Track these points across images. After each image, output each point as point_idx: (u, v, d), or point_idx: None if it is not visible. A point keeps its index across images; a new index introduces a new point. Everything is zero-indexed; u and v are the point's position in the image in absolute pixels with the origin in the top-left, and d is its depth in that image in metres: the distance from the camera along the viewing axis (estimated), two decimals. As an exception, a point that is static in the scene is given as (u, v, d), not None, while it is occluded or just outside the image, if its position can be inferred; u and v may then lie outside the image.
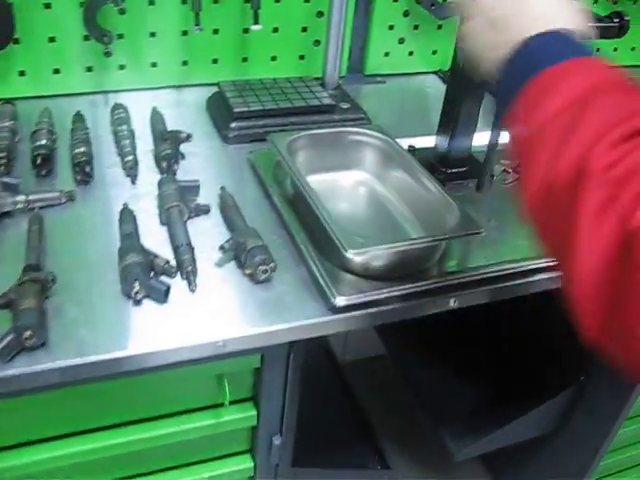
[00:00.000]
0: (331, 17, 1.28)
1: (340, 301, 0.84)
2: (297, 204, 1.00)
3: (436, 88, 1.53)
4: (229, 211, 0.99)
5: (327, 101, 1.25)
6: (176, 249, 0.90)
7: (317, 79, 1.38)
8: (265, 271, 0.87)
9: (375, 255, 0.85)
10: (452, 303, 0.93)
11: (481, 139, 1.20)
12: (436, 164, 1.17)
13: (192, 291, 0.86)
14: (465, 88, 1.09)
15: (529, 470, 1.68)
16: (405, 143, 1.23)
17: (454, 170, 1.16)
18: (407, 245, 0.86)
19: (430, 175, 1.03)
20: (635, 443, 1.62)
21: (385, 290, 0.87)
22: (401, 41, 1.51)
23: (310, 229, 0.95)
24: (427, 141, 1.23)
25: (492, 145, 1.06)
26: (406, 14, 1.48)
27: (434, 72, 1.59)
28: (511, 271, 0.96)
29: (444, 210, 0.96)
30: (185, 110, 1.32)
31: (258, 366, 0.92)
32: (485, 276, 0.94)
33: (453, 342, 1.60)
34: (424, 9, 1.45)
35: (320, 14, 1.39)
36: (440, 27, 1.53)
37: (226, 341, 0.81)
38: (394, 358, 1.71)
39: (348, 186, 1.12)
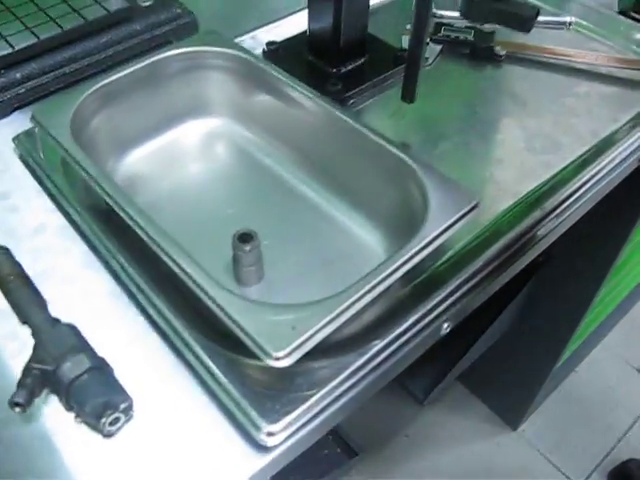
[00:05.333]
0: None
1: (270, 439, 0.44)
2: (124, 228, 0.55)
3: None
4: (14, 291, 0.53)
5: (117, 4, 0.75)
6: None
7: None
8: (114, 421, 0.44)
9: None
10: (445, 328, 0.55)
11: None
12: (320, 63, 0.73)
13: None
14: None
15: (499, 366, 1.42)
16: (260, 39, 0.79)
17: (350, 66, 0.73)
18: (369, 291, 0.45)
19: (317, 95, 0.60)
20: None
21: (343, 375, 0.47)
22: None
23: (167, 279, 0.51)
24: (294, 23, 0.79)
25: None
26: None
27: None
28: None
29: (373, 153, 0.55)
30: None
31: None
32: (481, 275, 0.55)
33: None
34: None
35: None
36: None
37: None
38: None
39: (196, 148, 0.67)
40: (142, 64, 0.62)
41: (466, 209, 0.49)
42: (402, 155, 0.53)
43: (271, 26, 0.81)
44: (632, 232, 1.03)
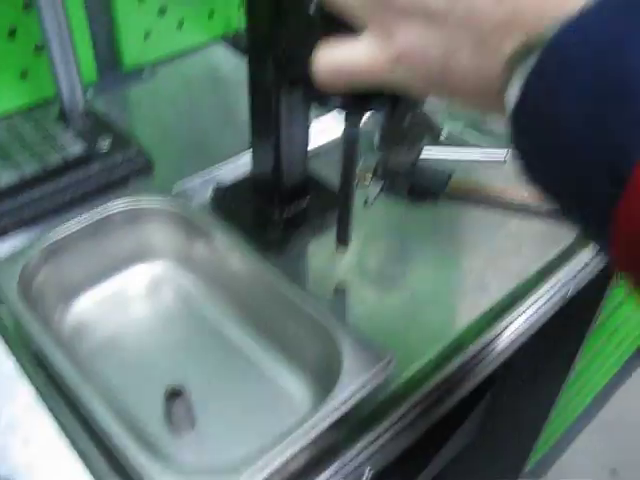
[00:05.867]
0: (42, 14, 0.82)
1: None
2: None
3: (228, 62, 1.11)
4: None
5: (75, 150, 0.81)
6: None
7: (49, 102, 0.92)
8: None
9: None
10: (367, 474, 0.57)
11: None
12: (264, 207, 0.78)
13: None
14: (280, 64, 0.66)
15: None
16: (213, 178, 0.83)
17: (293, 209, 0.77)
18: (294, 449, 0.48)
19: (248, 247, 0.65)
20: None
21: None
22: (162, 12, 1.07)
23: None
24: (247, 162, 0.84)
25: (350, 154, 0.62)
26: (157, -27, 1.04)
27: (221, 38, 1.16)
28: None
29: (295, 310, 0.59)
30: None
31: None
32: (404, 422, 0.58)
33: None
34: (180, -40, 1.02)
35: (28, 7, 0.92)
36: (209, -21, 1.09)
37: None
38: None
39: (141, 293, 0.71)
40: (88, 220, 0.66)
41: (378, 367, 0.52)
42: (316, 315, 0.57)
43: (226, 164, 0.86)
44: (582, 347, 1.07)
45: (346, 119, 0.54)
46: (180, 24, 1.10)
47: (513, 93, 0.30)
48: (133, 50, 1.06)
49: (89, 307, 0.67)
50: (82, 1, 0.97)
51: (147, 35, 1.07)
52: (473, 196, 0.83)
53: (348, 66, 0.38)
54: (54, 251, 0.65)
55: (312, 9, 0.42)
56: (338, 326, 0.56)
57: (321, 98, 0.47)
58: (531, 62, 0.29)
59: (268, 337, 0.64)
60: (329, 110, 0.49)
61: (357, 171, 0.81)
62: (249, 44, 0.66)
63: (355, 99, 0.48)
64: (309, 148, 0.78)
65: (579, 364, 1.12)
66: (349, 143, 0.60)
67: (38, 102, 0.96)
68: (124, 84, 1.05)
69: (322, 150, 0.87)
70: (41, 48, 0.95)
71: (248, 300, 0.65)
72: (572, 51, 0.28)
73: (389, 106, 0.51)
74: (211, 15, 1.12)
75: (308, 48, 0.42)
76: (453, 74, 0.33)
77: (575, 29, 0.28)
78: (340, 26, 0.39)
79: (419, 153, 0.57)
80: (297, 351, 0.61)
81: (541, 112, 0.29)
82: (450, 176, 0.67)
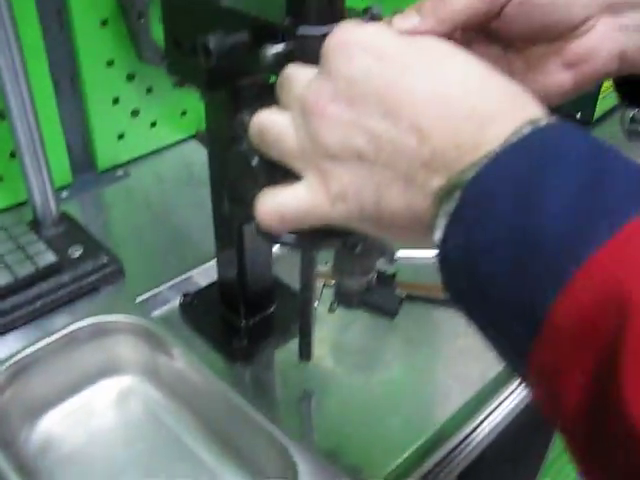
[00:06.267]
0: (14, 126, 0.85)
1: None
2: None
3: (201, 159, 1.13)
4: None
5: (47, 259, 0.82)
6: None
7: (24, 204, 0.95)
8: None
9: None
10: None
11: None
12: (230, 315, 0.79)
13: None
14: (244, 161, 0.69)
15: None
16: (182, 283, 0.85)
17: (258, 317, 0.79)
18: None
19: (208, 364, 0.66)
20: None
21: None
22: (135, 113, 1.10)
23: None
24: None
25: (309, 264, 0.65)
26: (131, 78, 1.07)
27: (192, 136, 1.20)
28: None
29: (258, 430, 0.61)
30: None
31: None
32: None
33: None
34: (153, 66, 1.06)
35: (2, 117, 0.95)
36: (182, 80, 1.13)
37: None
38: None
39: (110, 406, 0.72)
40: (54, 338, 0.67)
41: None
42: (276, 434, 0.58)
43: (198, 269, 0.87)
44: (552, 438, 1.08)
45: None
46: (153, 124, 1.13)
47: (439, 231, 0.33)
48: (107, 151, 1.09)
49: (56, 423, 0.68)
50: (56, 105, 1.00)
51: (121, 136, 1.10)
52: (436, 296, 0.85)
53: (291, 211, 0.40)
54: (20, 370, 0.66)
55: (254, 162, 0.44)
56: (297, 447, 0.57)
57: (271, 237, 0.49)
58: (454, 201, 0.32)
59: (231, 452, 0.65)
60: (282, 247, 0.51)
61: (325, 272, 0.83)
62: (209, 169, 0.69)
63: (305, 237, 0.50)
64: (275, 250, 0.80)
65: (552, 452, 1.13)
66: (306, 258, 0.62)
67: (13, 205, 0.99)
68: (98, 185, 1.08)
69: (288, 252, 0.89)
70: (14, 157, 0.98)
71: (211, 415, 0.66)
72: (487, 198, 0.31)
73: (339, 239, 0.53)
74: (184, 114, 1.16)
75: (253, 195, 0.45)
76: (386, 211, 0.36)
77: (489, 175, 0.31)
78: (281, 173, 0.42)
79: (372, 278, 0.59)
80: (258, 467, 0.62)
81: (460, 252, 0.32)
82: (402, 300, 0.69)
